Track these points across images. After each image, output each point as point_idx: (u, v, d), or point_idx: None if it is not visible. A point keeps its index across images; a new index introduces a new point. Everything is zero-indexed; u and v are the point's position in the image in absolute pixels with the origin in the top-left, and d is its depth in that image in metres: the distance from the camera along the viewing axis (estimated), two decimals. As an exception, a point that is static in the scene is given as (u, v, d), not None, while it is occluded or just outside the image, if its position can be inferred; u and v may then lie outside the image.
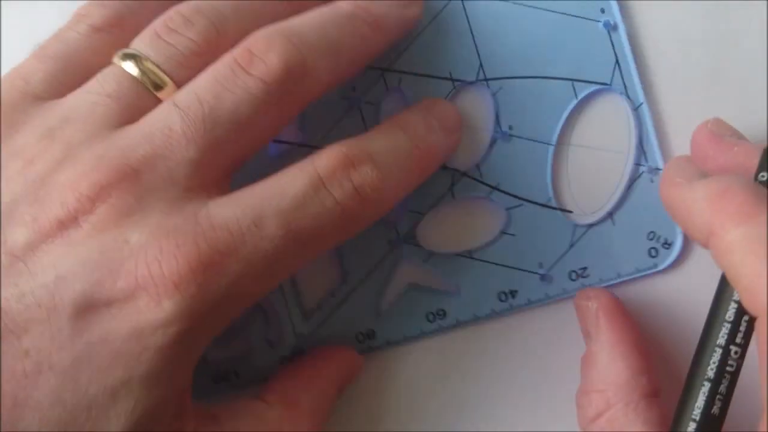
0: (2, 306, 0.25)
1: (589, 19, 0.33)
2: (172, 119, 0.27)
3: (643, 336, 0.32)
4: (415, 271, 0.33)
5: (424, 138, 0.30)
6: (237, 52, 0.27)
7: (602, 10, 0.33)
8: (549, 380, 0.34)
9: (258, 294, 0.27)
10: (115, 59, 0.28)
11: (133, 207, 0.26)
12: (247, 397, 0.31)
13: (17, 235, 0.26)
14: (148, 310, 0.25)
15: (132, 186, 0.26)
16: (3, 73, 0.29)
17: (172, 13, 0.28)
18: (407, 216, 0.33)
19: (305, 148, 0.33)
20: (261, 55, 0.27)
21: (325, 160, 0.27)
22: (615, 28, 0.33)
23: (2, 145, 0.27)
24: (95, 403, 0.25)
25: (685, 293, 0.33)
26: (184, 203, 0.26)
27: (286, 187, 0.27)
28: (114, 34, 0.29)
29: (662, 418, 0.30)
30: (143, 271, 0.25)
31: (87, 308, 0.25)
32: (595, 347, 0.31)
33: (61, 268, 0.25)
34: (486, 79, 0.33)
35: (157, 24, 0.28)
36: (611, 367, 0.30)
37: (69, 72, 0.29)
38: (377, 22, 0.30)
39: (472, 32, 0.33)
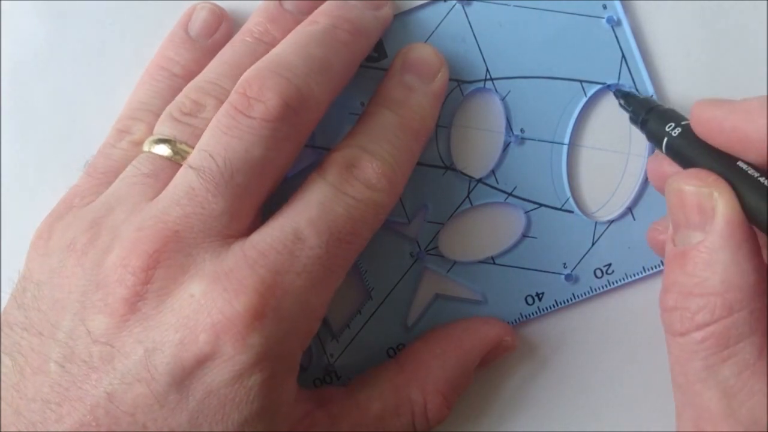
0: (110, 392, 0.26)
1: (592, 17, 0.33)
2: (191, 179, 0.28)
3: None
4: (440, 282, 0.33)
5: (406, 104, 0.31)
6: (234, 99, 0.28)
7: (604, 7, 0.33)
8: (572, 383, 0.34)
9: (326, 299, 0.28)
10: (146, 146, 0.30)
11: (184, 264, 0.27)
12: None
13: (97, 323, 0.27)
14: (237, 353, 0.26)
15: (176, 245, 0.27)
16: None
17: (184, 99, 0.30)
18: (427, 227, 0.33)
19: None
20: (257, 96, 0.28)
21: (328, 170, 0.29)
22: (618, 23, 0.33)
23: (57, 245, 0.28)
24: None
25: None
26: (228, 247, 0.27)
27: (308, 200, 0.28)
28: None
29: None
30: (218, 317, 0.26)
31: (182, 373, 0.26)
32: (708, 240, 0.26)
33: (146, 342, 0.26)
34: (494, 82, 0.33)
35: (173, 110, 0.30)
36: (734, 267, 0.25)
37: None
38: (354, 27, 0.30)
39: (476, 38, 0.33)
